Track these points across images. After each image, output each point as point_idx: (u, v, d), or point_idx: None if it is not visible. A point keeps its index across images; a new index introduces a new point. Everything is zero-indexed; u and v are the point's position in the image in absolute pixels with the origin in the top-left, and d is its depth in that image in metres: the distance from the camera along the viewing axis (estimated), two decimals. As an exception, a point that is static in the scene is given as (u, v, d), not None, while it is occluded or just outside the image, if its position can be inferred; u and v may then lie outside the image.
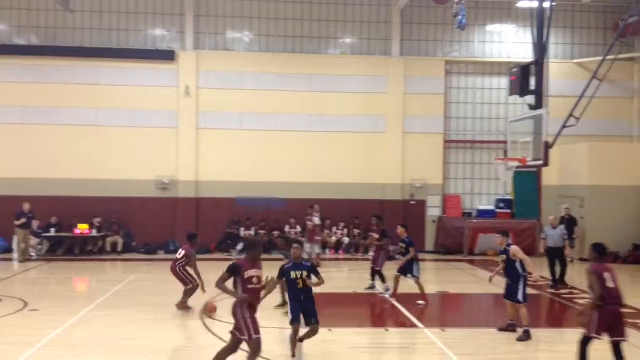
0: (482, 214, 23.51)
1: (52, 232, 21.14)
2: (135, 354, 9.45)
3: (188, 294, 12.66)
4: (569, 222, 19.64)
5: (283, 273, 9.21)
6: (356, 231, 22.60)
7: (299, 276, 8.98)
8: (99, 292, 14.35)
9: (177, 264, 12.61)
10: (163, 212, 22.45)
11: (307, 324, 9.09)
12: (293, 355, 9.12)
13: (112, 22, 22.96)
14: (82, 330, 10.83)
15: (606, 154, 21.71)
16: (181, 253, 12.73)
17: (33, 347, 9.63)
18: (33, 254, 20.47)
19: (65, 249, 21.33)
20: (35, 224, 20.71)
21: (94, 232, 21.22)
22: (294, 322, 9.09)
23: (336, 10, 23.70)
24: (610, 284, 8.15)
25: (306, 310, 9.08)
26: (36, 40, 22.75)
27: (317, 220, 18.76)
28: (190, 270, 12.61)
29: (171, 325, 11.38)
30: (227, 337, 10.46)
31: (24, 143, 22.09)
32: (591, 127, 22.54)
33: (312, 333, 9.24)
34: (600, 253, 8.51)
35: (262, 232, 22.43)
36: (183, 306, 12.58)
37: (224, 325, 11.44)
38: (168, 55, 22.72)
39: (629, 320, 11.98)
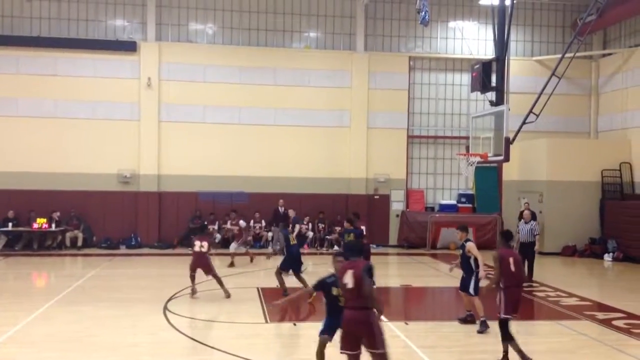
0: (444, 208, 23.82)
1: (9, 226, 20.60)
2: (96, 350, 9.30)
3: (221, 284, 13.36)
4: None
5: (323, 286, 7.76)
6: (320, 225, 22.64)
7: (341, 293, 7.43)
8: (59, 288, 14.05)
9: (207, 255, 13.37)
10: (124, 206, 22.11)
11: None
12: None
13: (71, 12, 22.42)
14: (42, 326, 10.61)
15: (564, 149, 22.20)
16: (204, 245, 13.33)
17: (-10, 344, 9.42)
18: (-11, 249, 19.96)
19: (23, 243, 20.83)
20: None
21: (53, 227, 20.76)
22: (324, 333, 7.80)
23: (300, 3, 23.62)
24: (512, 268, 8.82)
25: None
26: (-8, 29, 22.11)
27: (242, 223, 18.73)
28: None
29: (133, 321, 11.24)
30: (190, 332, 10.43)
31: (-21, 135, 21.49)
32: (550, 124, 23.08)
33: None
34: (507, 239, 9.34)
35: (225, 226, 22.26)
36: (227, 292, 13.28)
37: (186, 320, 11.37)
38: (129, 47, 22.31)
39: (587, 312, 12.39)
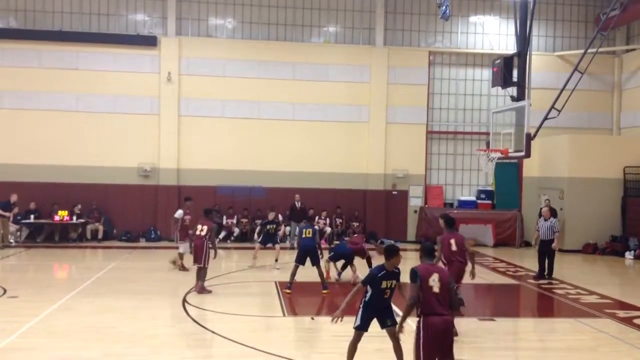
0: (464, 204, 23.64)
1: (31, 218, 20.87)
2: (116, 341, 9.39)
3: (202, 276, 13.01)
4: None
5: (372, 280, 7.67)
6: (338, 220, 22.63)
7: (388, 286, 7.67)
8: (80, 280, 14.22)
9: (204, 240, 12.96)
10: (144, 199, 22.27)
11: (382, 326, 7.93)
12: None
13: (93, 6, 22.59)
14: (63, 317, 10.73)
15: (586, 146, 21.93)
16: (203, 229, 13.04)
17: (13, 334, 9.53)
18: (12, 241, 20.21)
19: (45, 235, 21.08)
20: (14, 210, 20.43)
21: (74, 219, 20.98)
22: (362, 328, 7.89)
23: (320, -2, 23.63)
24: (453, 248, 10.27)
25: (382, 312, 7.88)
26: (15, 23, 22.33)
27: (179, 213, 16.30)
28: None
29: (152, 312, 11.33)
30: (208, 324, 10.49)
31: (2, 128, 21.73)
32: (572, 120, 22.79)
33: (395, 340, 7.83)
34: (449, 224, 10.63)
35: (244, 220, 22.37)
36: (203, 289, 12.92)
37: (205, 312, 11.44)
38: (150, 41, 22.44)
39: (607, 310, 12.25)
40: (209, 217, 13.55)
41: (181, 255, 15.73)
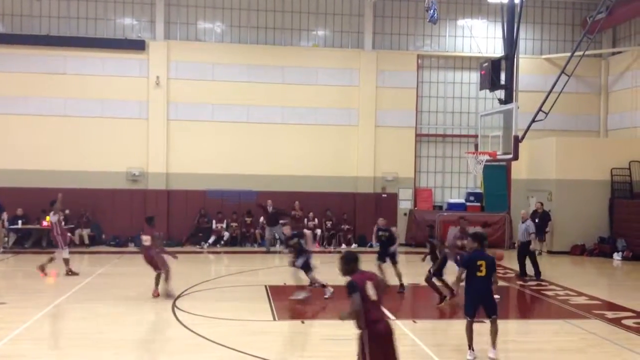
0: (453, 207, 23.72)
1: (19, 224, 20.69)
2: (104, 347, 9.34)
3: (166, 279, 12.82)
4: (542, 216, 19.95)
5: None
6: (328, 223, 22.63)
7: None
8: (68, 285, 14.13)
9: (152, 250, 12.76)
10: (133, 204, 22.15)
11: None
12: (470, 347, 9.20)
13: (80, 10, 22.51)
14: (51, 323, 10.68)
15: (573, 148, 22.08)
16: (147, 239, 12.80)
17: (0, 340, 9.46)
18: (-1, 247, 20.06)
19: (33, 241, 20.93)
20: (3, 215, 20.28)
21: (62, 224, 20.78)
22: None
23: (308, 2, 23.61)
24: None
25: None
26: (1, 28, 22.20)
27: (52, 218, 15.80)
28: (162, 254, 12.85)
29: (140, 318, 11.28)
30: (198, 329, 10.45)
31: (-11, 133, 21.63)
32: (559, 122, 22.96)
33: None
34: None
35: (234, 224, 22.31)
36: (168, 293, 12.76)
37: (194, 317, 11.40)
38: (138, 45, 22.38)
39: (596, 311, 12.32)
40: (150, 225, 13.08)
41: (67, 261, 15.54)
